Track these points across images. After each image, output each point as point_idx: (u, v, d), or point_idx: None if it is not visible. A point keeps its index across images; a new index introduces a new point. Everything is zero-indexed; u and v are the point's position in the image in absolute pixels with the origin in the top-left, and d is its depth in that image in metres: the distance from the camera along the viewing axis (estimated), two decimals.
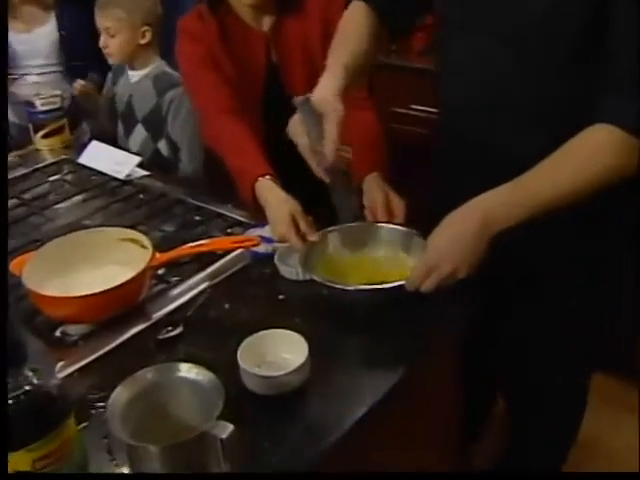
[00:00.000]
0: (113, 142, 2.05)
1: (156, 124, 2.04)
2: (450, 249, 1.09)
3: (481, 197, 1.09)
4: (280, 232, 1.31)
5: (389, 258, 1.27)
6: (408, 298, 1.14)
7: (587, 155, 1.04)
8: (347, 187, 1.29)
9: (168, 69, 2.04)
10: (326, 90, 1.17)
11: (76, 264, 1.29)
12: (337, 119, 1.13)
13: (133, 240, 1.31)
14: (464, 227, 1.09)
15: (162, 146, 2.04)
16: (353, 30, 1.29)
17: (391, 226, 1.29)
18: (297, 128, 1.20)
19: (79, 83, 2.26)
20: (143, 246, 1.28)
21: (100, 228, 1.41)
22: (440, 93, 1.29)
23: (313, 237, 1.27)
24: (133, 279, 1.20)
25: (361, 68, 1.26)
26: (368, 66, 1.31)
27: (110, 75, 2.19)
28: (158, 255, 1.28)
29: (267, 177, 1.42)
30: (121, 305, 1.21)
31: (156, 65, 2.06)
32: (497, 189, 1.09)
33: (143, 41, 2.01)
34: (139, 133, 2.07)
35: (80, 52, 2.44)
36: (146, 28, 2.00)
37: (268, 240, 1.36)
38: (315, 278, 1.17)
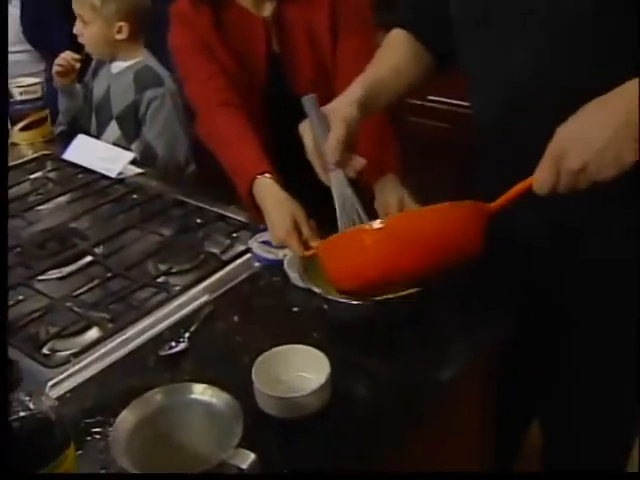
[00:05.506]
0: None
1: (131, 123, 2.01)
2: (579, 135, 0.96)
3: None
4: (279, 237, 1.29)
5: None
6: (433, 313, 1.14)
7: None
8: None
9: (154, 65, 2.02)
10: (340, 100, 1.19)
11: None
12: (345, 121, 1.13)
13: None
14: (604, 112, 0.95)
15: (135, 148, 2.00)
16: (385, 54, 1.30)
17: None
18: (306, 129, 1.19)
19: (61, 57, 2.07)
20: None
21: None
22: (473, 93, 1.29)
23: (316, 244, 1.22)
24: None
25: (390, 93, 1.27)
26: (402, 91, 1.31)
27: (92, 65, 2.15)
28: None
29: (266, 175, 1.39)
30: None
31: (141, 59, 2.04)
32: None
33: (119, 37, 1.99)
34: (112, 131, 2.04)
35: (47, 26, 2.31)
36: (122, 24, 1.98)
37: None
38: (315, 290, 1.15)
